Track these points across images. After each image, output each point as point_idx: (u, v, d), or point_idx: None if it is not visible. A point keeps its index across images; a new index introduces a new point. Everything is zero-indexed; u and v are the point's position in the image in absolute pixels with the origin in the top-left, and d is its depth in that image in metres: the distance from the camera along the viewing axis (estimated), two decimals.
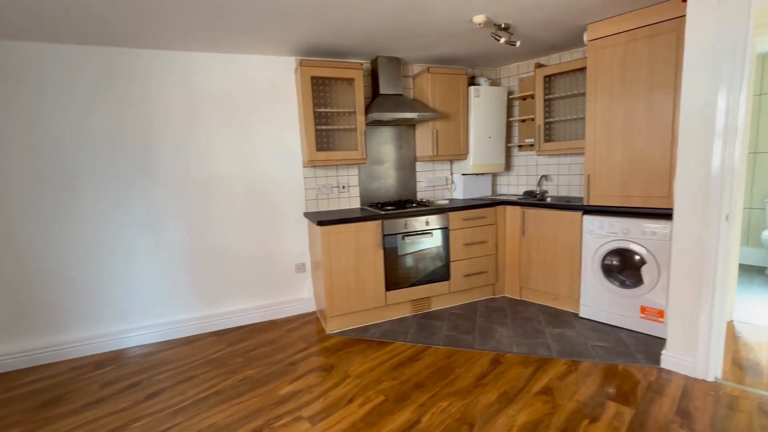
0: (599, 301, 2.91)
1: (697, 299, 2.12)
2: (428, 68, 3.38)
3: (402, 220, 3.07)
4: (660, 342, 2.56)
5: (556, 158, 3.65)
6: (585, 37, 2.81)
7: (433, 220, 3.19)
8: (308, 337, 2.94)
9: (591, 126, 2.83)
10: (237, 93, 3.09)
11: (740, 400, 1.96)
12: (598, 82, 2.76)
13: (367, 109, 3.21)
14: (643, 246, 2.63)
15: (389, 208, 3.21)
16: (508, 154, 4.03)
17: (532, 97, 3.69)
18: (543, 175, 3.70)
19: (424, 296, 3.26)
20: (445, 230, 3.25)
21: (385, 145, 3.58)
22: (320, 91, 3.17)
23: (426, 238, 3.15)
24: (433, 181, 3.84)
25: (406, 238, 3.09)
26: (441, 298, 3.36)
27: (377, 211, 3.14)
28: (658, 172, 2.56)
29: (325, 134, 3.24)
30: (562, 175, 3.63)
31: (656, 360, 2.35)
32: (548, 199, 3.61)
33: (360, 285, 2.99)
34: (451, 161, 3.93)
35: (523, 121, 3.83)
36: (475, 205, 3.35)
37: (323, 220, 2.85)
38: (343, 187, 3.47)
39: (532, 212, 3.27)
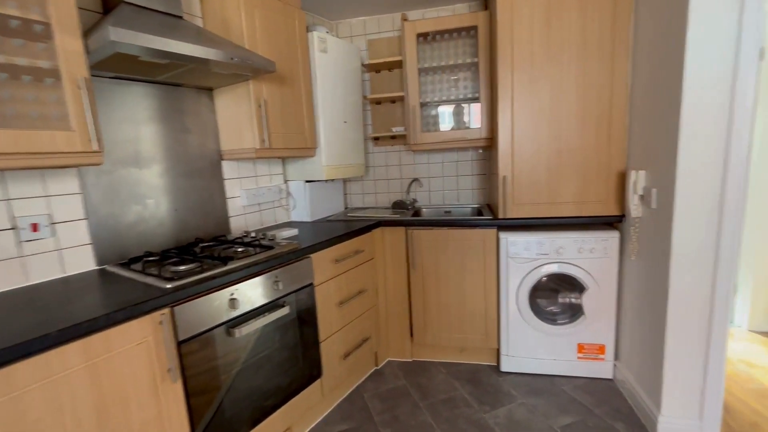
0: (526, 347, 2.13)
1: (704, 334, 1.54)
2: None
3: (216, 297, 1.33)
4: (609, 386, 1.99)
5: (424, 156, 2.72)
6: None
7: (286, 276, 1.60)
8: None
9: (505, 108, 1.98)
10: None
11: None
12: (514, 45, 1.91)
13: (91, 30, 1.27)
14: (582, 268, 1.99)
15: (172, 263, 1.39)
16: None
17: (390, 68, 2.61)
18: (414, 179, 2.70)
19: (281, 430, 1.63)
20: (308, 289, 1.72)
21: (146, 124, 1.65)
22: None
23: (274, 315, 1.52)
24: (258, 195, 2.17)
25: (235, 330, 1.36)
26: (310, 413, 1.81)
27: (144, 278, 1.27)
28: (594, 169, 1.94)
29: None
30: (434, 178, 2.73)
31: (640, 427, 1.71)
32: (423, 211, 2.64)
33: None
34: (283, 160, 2.36)
35: (378, 103, 2.71)
36: (347, 232, 1.96)
37: None
38: (35, 227, 1.34)
39: (424, 234, 2.19)
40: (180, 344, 1.21)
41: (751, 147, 1.48)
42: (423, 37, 2.44)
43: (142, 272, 1.34)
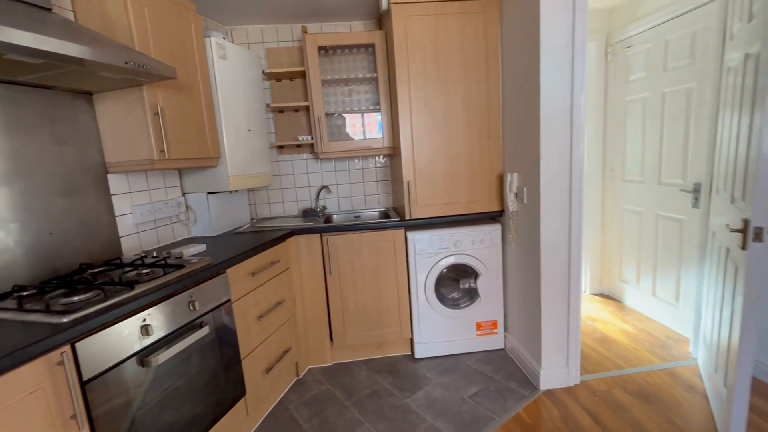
0: (435, 332, 2.39)
1: (565, 301, 1.98)
2: None
3: (125, 325, 1.20)
4: (502, 355, 2.37)
5: (331, 163, 2.80)
6: (383, 0, 2.11)
7: (202, 294, 1.51)
8: None
9: (405, 119, 2.20)
10: None
11: (612, 388, 1.97)
12: (410, 62, 2.15)
13: None
14: (475, 257, 2.32)
15: (60, 294, 1.20)
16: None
17: (291, 78, 2.64)
18: (323, 186, 2.75)
19: None
20: (226, 306, 1.64)
21: (1, 135, 1.38)
22: None
23: (193, 337, 1.42)
24: (153, 211, 1.96)
25: (151, 358, 1.24)
26: None
27: (24, 315, 1.08)
28: (479, 172, 2.29)
29: None
30: (342, 185, 2.84)
31: (527, 381, 2.09)
32: (334, 217, 2.72)
33: None
34: (180, 171, 2.18)
35: (281, 111, 2.70)
36: (262, 243, 1.92)
37: None
38: None
39: (339, 239, 2.27)
40: (85, 384, 1.06)
41: (584, 153, 1.96)
42: (324, 50, 2.53)
43: (20, 309, 1.12)
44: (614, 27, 2.80)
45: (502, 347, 2.45)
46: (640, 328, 2.61)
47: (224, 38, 2.13)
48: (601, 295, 3.19)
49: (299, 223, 2.38)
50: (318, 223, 2.39)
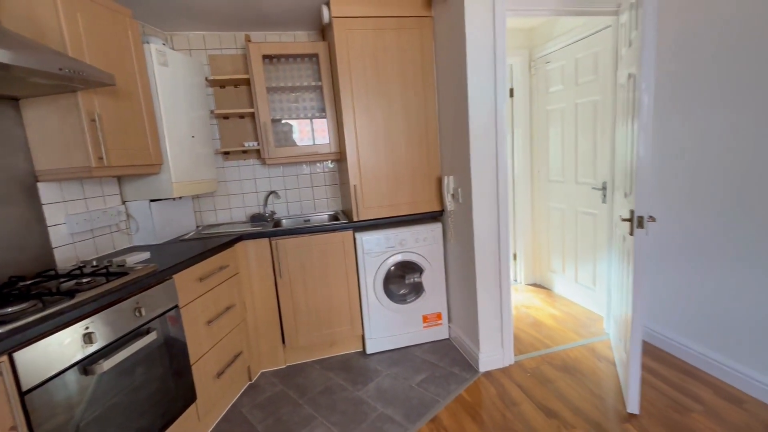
0: (385, 327, 2.52)
1: (497, 289, 2.20)
2: None
3: (67, 334, 1.19)
4: (447, 344, 2.55)
5: (279, 169, 2.84)
6: (325, 14, 2.23)
7: (148, 301, 1.51)
8: None
9: (350, 126, 2.32)
10: None
11: (540, 365, 2.22)
12: (352, 73, 2.27)
13: None
14: (419, 254, 2.49)
15: None
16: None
17: (236, 84, 2.66)
18: (271, 192, 2.79)
19: None
20: (173, 311, 1.64)
21: None
22: None
23: (139, 343, 1.42)
24: (91, 220, 1.89)
25: (95, 366, 1.24)
26: None
27: None
28: (420, 175, 2.47)
29: None
30: (291, 190, 2.89)
31: (468, 365, 2.29)
32: (283, 222, 2.77)
33: None
34: (119, 179, 2.12)
35: (226, 118, 2.70)
36: (209, 249, 1.93)
37: None
38: None
39: (288, 243, 2.33)
40: (25, 395, 1.05)
41: (508, 156, 2.21)
42: (269, 58, 2.59)
43: None
44: (535, 44, 3.14)
45: (447, 337, 2.64)
46: (566, 311, 2.93)
47: (164, 44, 2.12)
48: (535, 284, 3.52)
49: (247, 229, 2.41)
50: (267, 228, 2.43)
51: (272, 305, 2.37)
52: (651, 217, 1.63)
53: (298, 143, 2.76)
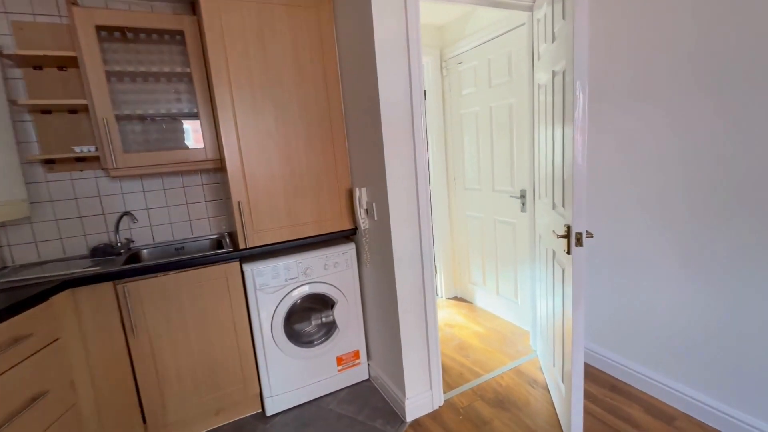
0: (289, 380, 2.01)
1: (422, 318, 1.85)
2: None
3: None
4: (368, 387, 2.14)
5: (137, 182, 2.13)
6: None
7: None
8: None
9: (228, 129, 1.77)
10: None
11: (473, 401, 1.93)
12: (229, 58, 1.73)
13: None
14: (329, 284, 2.04)
15: None
16: (25, 177, 1.89)
17: (62, 66, 1.90)
18: (124, 213, 2.05)
19: None
20: None
21: None
22: None
23: None
24: None
25: None
26: None
27: None
28: (326, 188, 2.02)
29: None
30: (156, 209, 2.19)
31: (393, 414, 1.90)
32: (144, 253, 2.07)
33: None
34: None
35: (48, 112, 1.91)
36: None
37: None
38: None
39: (144, 286, 1.68)
40: None
41: (429, 165, 1.89)
42: (112, 32, 1.89)
43: None
44: (446, 43, 2.94)
45: (367, 377, 2.23)
46: (490, 327, 2.75)
47: None
48: (456, 298, 3.32)
49: (80, 269, 1.68)
50: (115, 265, 1.73)
51: (123, 375, 1.69)
52: (588, 232, 1.43)
53: (160, 148, 2.09)
